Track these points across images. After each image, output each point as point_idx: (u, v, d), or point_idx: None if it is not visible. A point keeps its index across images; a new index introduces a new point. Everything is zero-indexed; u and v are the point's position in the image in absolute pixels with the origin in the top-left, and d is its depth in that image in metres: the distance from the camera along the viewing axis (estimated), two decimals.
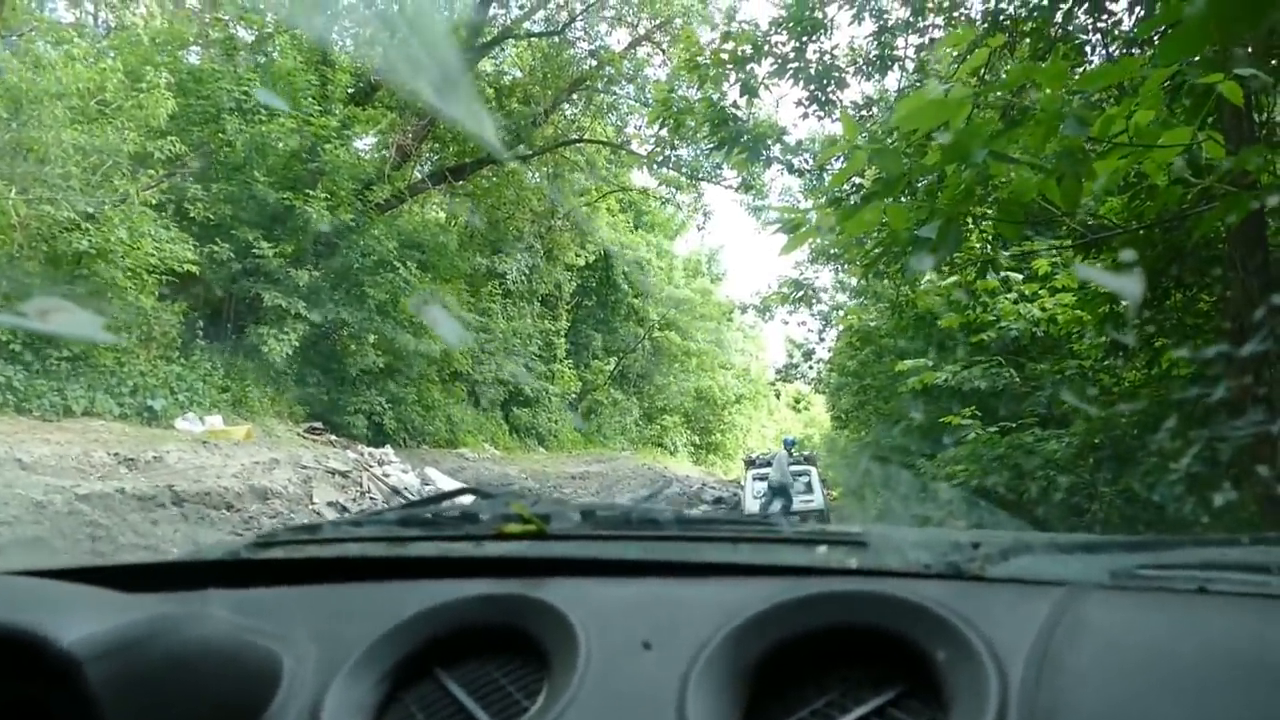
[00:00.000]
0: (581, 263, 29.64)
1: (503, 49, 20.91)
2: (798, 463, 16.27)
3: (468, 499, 1.54)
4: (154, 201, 12.57)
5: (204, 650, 0.86)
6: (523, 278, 25.61)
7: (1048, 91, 2.05)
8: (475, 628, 0.97)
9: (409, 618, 0.98)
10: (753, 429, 45.12)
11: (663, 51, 22.04)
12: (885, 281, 8.51)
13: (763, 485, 15.85)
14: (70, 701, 0.73)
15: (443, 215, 21.59)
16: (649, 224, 35.88)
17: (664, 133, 19.41)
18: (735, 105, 7.48)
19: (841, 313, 24.78)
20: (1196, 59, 1.95)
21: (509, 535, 1.22)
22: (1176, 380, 5.97)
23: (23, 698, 0.80)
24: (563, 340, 29.30)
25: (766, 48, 7.05)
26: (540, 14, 20.80)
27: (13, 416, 10.05)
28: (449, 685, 0.92)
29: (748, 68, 7.11)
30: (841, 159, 4.92)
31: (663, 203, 27.16)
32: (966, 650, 0.78)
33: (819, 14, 7.01)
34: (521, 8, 20.56)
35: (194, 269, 12.68)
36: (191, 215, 13.60)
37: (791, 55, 7.02)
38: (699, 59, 7.42)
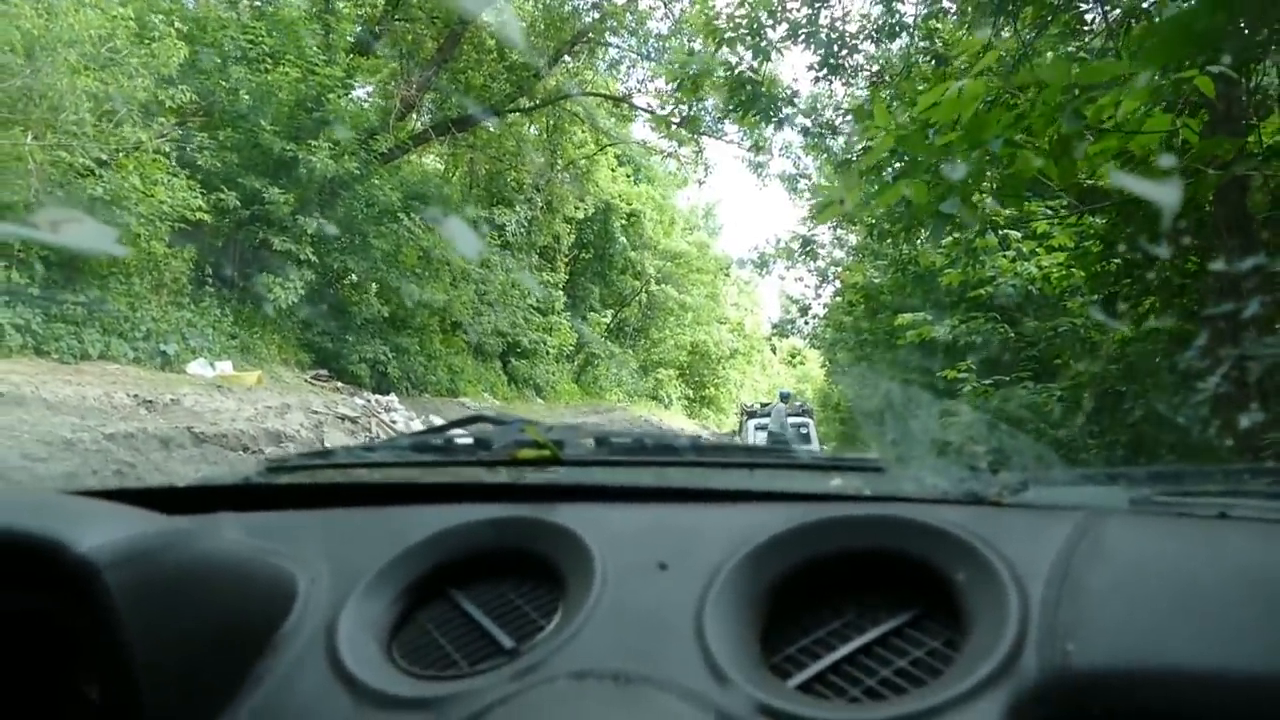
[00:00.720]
0: (580, 216, 29.77)
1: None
2: (795, 414, 16.81)
3: (480, 426, 1.52)
4: (165, 150, 12.71)
5: (220, 564, 0.87)
6: (521, 230, 25.71)
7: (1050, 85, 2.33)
8: (488, 550, 0.98)
9: (423, 540, 0.98)
10: (746, 383, 45.59)
11: (664, 4, 22.03)
12: (887, 241, 8.80)
13: (763, 434, 16.41)
14: (85, 608, 0.73)
15: (444, 166, 21.67)
16: (648, 177, 35.90)
17: (669, 87, 19.54)
18: (751, 69, 7.70)
19: (838, 269, 25.09)
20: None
21: (522, 461, 1.23)
22: (1161, 337, 6.27)
23: (31, 610, 0.80)
24: (560, 293, 29.48)
25: (780, 13, 7.26)
26: None
27: (31, 358, 10.30)
28: (464, 604, 0.93)
29: (762, 32, 7.32)
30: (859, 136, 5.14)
31: (664, 156, 27.19)
32: (986, 571, 0.78)
33: None
34: None
35: (205, 216, 12.86)
36: (199, 163, 13.74)
37: (804, 21, 7.23)
38: (715, 23, 7.63)
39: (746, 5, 7.30)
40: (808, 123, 8.47)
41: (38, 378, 9.38)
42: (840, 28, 7.47)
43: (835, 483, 1.14)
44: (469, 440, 1.41)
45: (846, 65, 7.56)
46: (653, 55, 21.86)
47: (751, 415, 19.28)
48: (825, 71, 7.51)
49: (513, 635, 0.87)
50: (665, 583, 0.86)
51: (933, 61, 6.92)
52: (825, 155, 17.36)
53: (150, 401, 9.78)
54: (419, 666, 0.86)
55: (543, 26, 21.06)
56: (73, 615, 0.76)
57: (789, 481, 1.17)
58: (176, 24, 12.22)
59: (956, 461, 1.31)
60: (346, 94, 15.88)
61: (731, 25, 7.33)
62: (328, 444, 11.03)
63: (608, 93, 23.38)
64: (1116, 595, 0.73)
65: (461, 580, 0.96)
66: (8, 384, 8.69)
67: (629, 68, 22.96)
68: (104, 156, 10.95)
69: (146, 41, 11.75)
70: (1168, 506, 0.91)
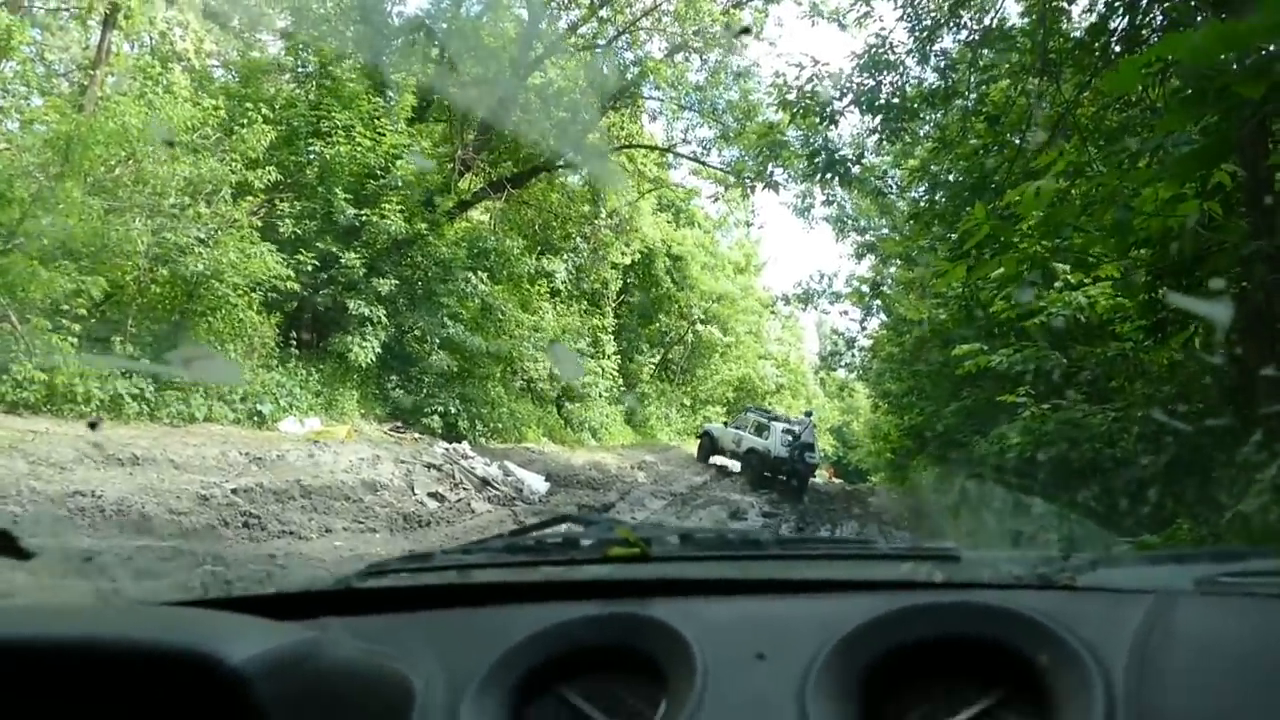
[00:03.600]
0: (627, 261, 30.60)
1: (550, 62, 21.92)
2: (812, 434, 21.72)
3: (568, 526, 1.62)
4: (256, 225, 13.70)
5: (347, 670, 0.92)
6: (570, 277, 26.57)
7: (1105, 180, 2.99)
8: (590, 647, 1.01)
9: (525, 639, 1.01)
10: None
11: (700, 58, 22.98)
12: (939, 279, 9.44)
13: (789, 438, 20.96)
14: (236, 717, 0.77)
15: (500, 222, 22.65)
16: (689, 220, 36.74)
17: (709, 134, 20.35)
18: (825, 139, 8.50)
19: (877, 305, 25.57)
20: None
21: (613, 558, 1.26)
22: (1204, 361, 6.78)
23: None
24: (609, 336, 30.24)
25: (846, 85, 8.03)
26: (585, 29, 21.76)
27: (146, 423, 11.19)
28: (573, 699, 0.96)
29: (831, 103, 8.10)
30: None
31: (711, 199, 28.00)
32: (1068, 654, 0.81)
33: (890, 56, 7.95)
34: (568, 25, 21.54)
35: (294, 285, 13.79)
36: (280, 231, 14.73)
37: (867, 90, 7.97)
38: (787, 96, 8.44)
39: (815, 81, 8.12)
40: (877, 184, 9.16)
41: (159, 442, 10.23)
42: (900, 94, 8.19)
43: (914, 571, 1.20)
44: (558, 540, 1.48)
45: (907, 129, 8.27)
46: (693, 105, 22.74)
47: (776, 420, 22.85)
48: (886, 135, 8.25)
49: None
50: (764, 673, 0.90)
51: (985, 122, 7.60)
52: (873, 199, 18.09)
53: (259, 458, 10.59)
54: None
55: (586, 84, 22.08)
56: None
57: (870, 570, 1.23)
58: (265, 110, 13.22)
59: (1029, 547, 1.65)
60: (411, 160, 16.86)
61: (802, 98, 8.11)
62: (417, 490, 11.77)
63: (652, 144, 24.27)
64: (1192, 677, 0.78)
65: (566, 676, 0.99)
66: (138, 448, 9.54)
67: (672, 118, 23.88)
68: (202, 235, 11.91)
69: (239, 126, 12.77)
70: (1231, 587, 0.96)
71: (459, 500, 11.80)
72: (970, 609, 0.92)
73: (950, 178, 8.02)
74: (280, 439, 12.12)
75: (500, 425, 19.63)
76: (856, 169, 8.94)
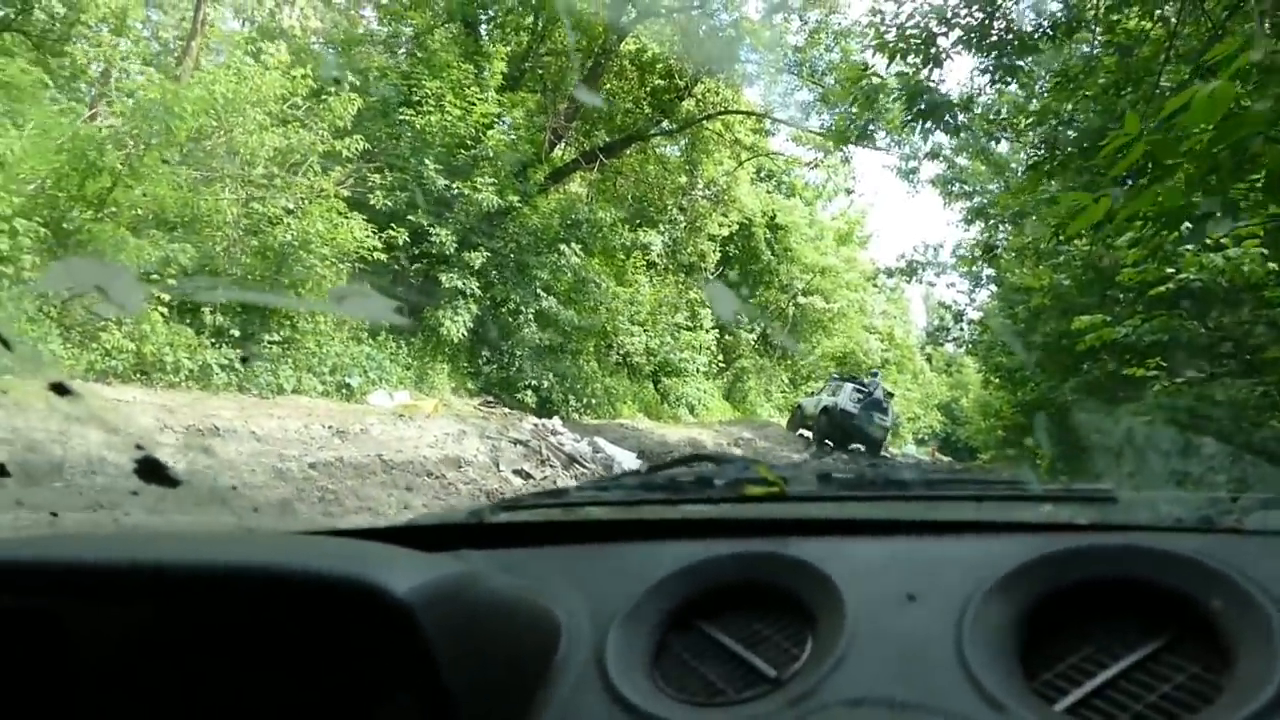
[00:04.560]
0: (725, 233, 29.88)
1: (644, 26, 21.28)
2: (887, 394, 22.66)
3: (703, 465, 1.57)
4: (344, 195, 13.58)
5: (498, 603, 0.93)
6: (667, 249, 26.00)
7: None
8: (732, 585, 1.00)
9: (667, 575, 1.01)
10: (898, 394, 44.40)
11: (800, 19, 21.98)
12: (1075, 241, 8.45)
13: (860, 396, 21.65)
14: (402, 649, 0.79)
15: (594, 193, 22.21)
16: (790, 189, 35.70)
17: (809, 97, 19.41)
18: (929, 80, 7.61)
19: (987, 275, 24.25)
20: None
21: (751, 497, 1.25)
22: None
23: (339, 648, 0.87)
24: (707, 310, 29.59)
25: (952, 19, 7.15)
26: None
27: (236, 395, 11.17)
28: (717, 636, 0.95)
29: (934, 41, 7.23)
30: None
31: (808, 166, 26.96)
32: (1243, 598, 0.78)
33: None
34: None
35: (380, 256, 13.63)
36: (371, 204, 14.61)
37: (975, 26, 7.08)
38: (885, 35, 7.54)
39: (917, 15, 7.22)
40: (986, 126, 8.11)
41: (244, 413, 10.16)
42: (1015, 28, 7.26)
43: (1070, 512, 1.14)
44: (693, 479, 1.45)
45: (1024, 67, 7.34)
46: (792, 69, 21.80)
47: (848, 380, 23.54)
48: (1000, 74, 7.32)
49: (772, 664, 0.89)
50: (917, 614, 0.87)
51: (1116, 55, 6.62)
52: (983, 157, 16.87)
53: (342, 432, 10.43)
54: (686, 694, 0.89)
55: (681, 49, 21.38)
56: (390, 653, 0.83)
57: (1022, 512, 1.18)
58: (351, 78, 13.01)
59: (1196, 488, 1.38)
60: (503, 130, 16.54)
61: (902, 36, 7.25)
62: (502, 467, 11.47)
63: (748, 109, 23.42)
64: None
65: (710, 614, 0.98)
66: (221, 419, 9.45)
67: (769, 82, 22.98)
68: (290, 205, 11.79)
69: (325, 97, 12.61)
70: None
71: (544, 478, 11.45)
72: (1131, 551, 0.87)
73: (1074, 122, 7.03)
74: (367, 412, 11.98)
75: (594, 401, 19.29)
76: (964, 116, 7.95)
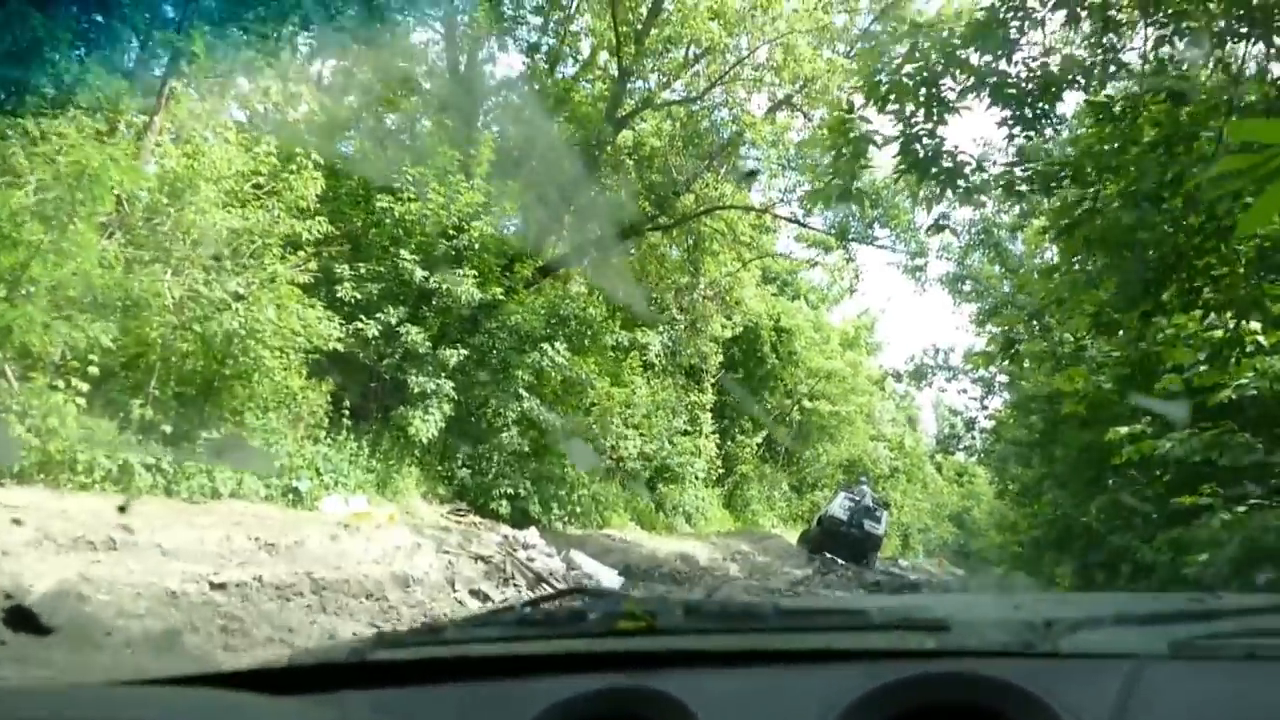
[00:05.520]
0: (728, 335, 28.96)
1: (642, 120, 20.71)
2: (879, 503, 23.25)
3: (576, 600, 1.68)
4: (304, 281, 12.62)
5: None
6: (666, 351, 24.94)
7: None
8: (602, 719, 1.03)
9: (539, 713, 1.03)
10: (906, 504, 42.81)
11: (804, 115, 21.45)
12: (1116, 334, 7.27)
13: (851, 504, 22.56)
14: None
15: (585, 290, 21.27)
16: (795, 292, 34.96)
17: (809, 191, 18.65)
18: (925, 131, 6.48)
19: (1000, 383, 23.12)
20: None
21: (621, 631, 1.29)
22: None
23: None
24: (708, 414, 28.41)
25: (961, 64, 6.11)
26: (679, 83, 20.54)
27: (162, 499, 9.93)
28: None
29: (938, 84, 6.18)
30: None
31: (810, 265, 26.15)
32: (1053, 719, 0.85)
33: (1016, 23, 6.01)
34: (661, 77, 20.36)
35: (339, 346, 12.58)
36: (339, 295, 13.63)
37: (987, 68, 6.04)
38: (876, 79, 6.44)
39: (916, 56, 6.10)
40: (1017, 177, 6.80)
41: (159, 520, 8.90)
42: (1038, 73, 6.19)
43: (905, 640, 1.19)
44: (568, 613, 1.57)
45: (1049, 116, 6.27)
46: (793, 165, 21.16)
47: (843, 489, 24.94)
48: (1019, 128, 6.19)
49: None
50: None
51: (1166, 100, 5.56)
52: (995, 253, 15.87)
53: (272, 544, 9.14)
54: None
55: (680, 144, 20.77)
56: None
57: (864, 641, 1.23)
58: (316, 157, 12.16)
59: (1013, 615, 1.43)
60: (489, 221, 15.64)
61: (896, 80, 6.16)
62: (458, 587, 10.12)
63: (748, 205, 22.72)
64: None
65: None
66: (124, 528, 8.21)
67: (770, 178, 22.33)
68: (240, 290, 10.78)
69: (286, 175, 11.74)
70: (1203, 650, 1.02)
71: (505, 600, 10.08)
72: (960, 679, 0.96)
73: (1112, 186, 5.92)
74: (311, 521, 10.69)
75: (579, 509, 17.92)
76: (975, 178, 6.71)
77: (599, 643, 1.29)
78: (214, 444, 10.58)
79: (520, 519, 14.96)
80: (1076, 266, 6.00)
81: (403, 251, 14.56)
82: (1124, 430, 7.99)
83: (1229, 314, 5.30)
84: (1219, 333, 6.09)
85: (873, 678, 0.96)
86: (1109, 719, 0.84)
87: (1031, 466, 17.58)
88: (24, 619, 6.85)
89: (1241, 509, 6.63)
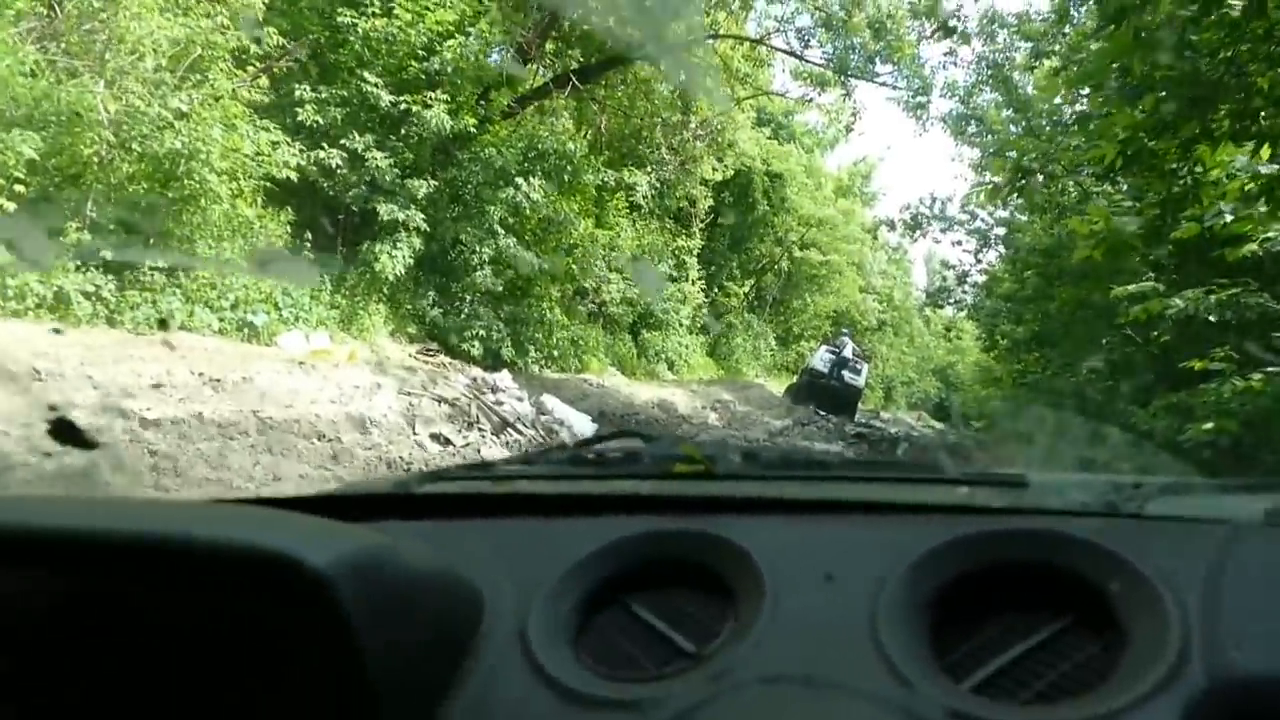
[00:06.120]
0: (718, 178, 27.93)
1: None
2: (860, 356, 22.92)
3: (631, 441, 1.64)
4: (258, 101, 11.70)
5: (420, 576, 0.91)
6: (653, 192, 24.00)
7: None
8: (656, 561, 1.00)
9: (592, 551, 1.01)
10: (892, 357, 42.79)
11: None
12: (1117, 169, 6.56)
13: (831, 357, 22.31)
14: (318, 622, 0.78)
15: (567, 123, 20.14)
16: (790, 134, 33.60)
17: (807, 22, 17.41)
18: None
19: (996, 235, 22.41)
20: None
21: (677, 474, 1.28)
22: None
23: (254, 620, 0.85)
24: (695, 260, 27.72)
25: None
26: None
27: (103, 330, 9.40)
28: (640, 612, 0.95)
29: None
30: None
31: (804, 102, 24.88)
32: (1139, 581, 0.82)
33: None
34: None
35: (298, 175, 11.80)
36: (300, 119, 12.70)
37: None
38: None
39: None
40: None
41: (97, 352, 8.39)
42: None
43: (982, 495, 1.16)
44: (621, 455, 1.49)
45: None
46: None
47: (825, 343, 24.66)
48: None
49: (692, 641, 0.90)
50: (834, 593, 0.90)
51: None
52: (1003, 89, 14.88)
53: (218, 380, 8.66)
54: (608, 668, 0.90)
55: None
56: (307, 626, 0.80)
57: (938, 495, 1.20)
58: None
59: (1095, 478, 1.29)
60: (464, 42, 14.48)
61: None
62: (418, 430, 9.75)
63: (742, 35, 21.30)
64: (1267, 606, 0.78)
65: (633, 589, 0.98)
66: (53, 358, 7.69)
67: (767, 4, 20.84)
68: (183, 107, 9.90)
69: None
70: None
71: (468, 444, 9.73)
72: (1037, 536, 0.91)
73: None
74: (266, 357, 10.21)
75: (557, 353, 17.49)
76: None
77: (654, 485, 1.26)
78: (162, 273, 9.94)
79: (493, 361, 14.53)
80: (1114, 80, 5.21)
81: (368, 74, 13.52)
82: (1131, 287, 7.39)
83: None
84: (1273, 168, 5.37)
85: (946, 531, 0.92)
86: (1202, 585, 0.79)
87: (1023, 323, 17.15)
88: None
89: (1257, 376, 6.13)
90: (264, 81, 11.11)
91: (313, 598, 0.76)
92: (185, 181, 9.90)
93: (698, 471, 1.24)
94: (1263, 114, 4.46)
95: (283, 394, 9.04)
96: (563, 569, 0.98)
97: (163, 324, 9.77)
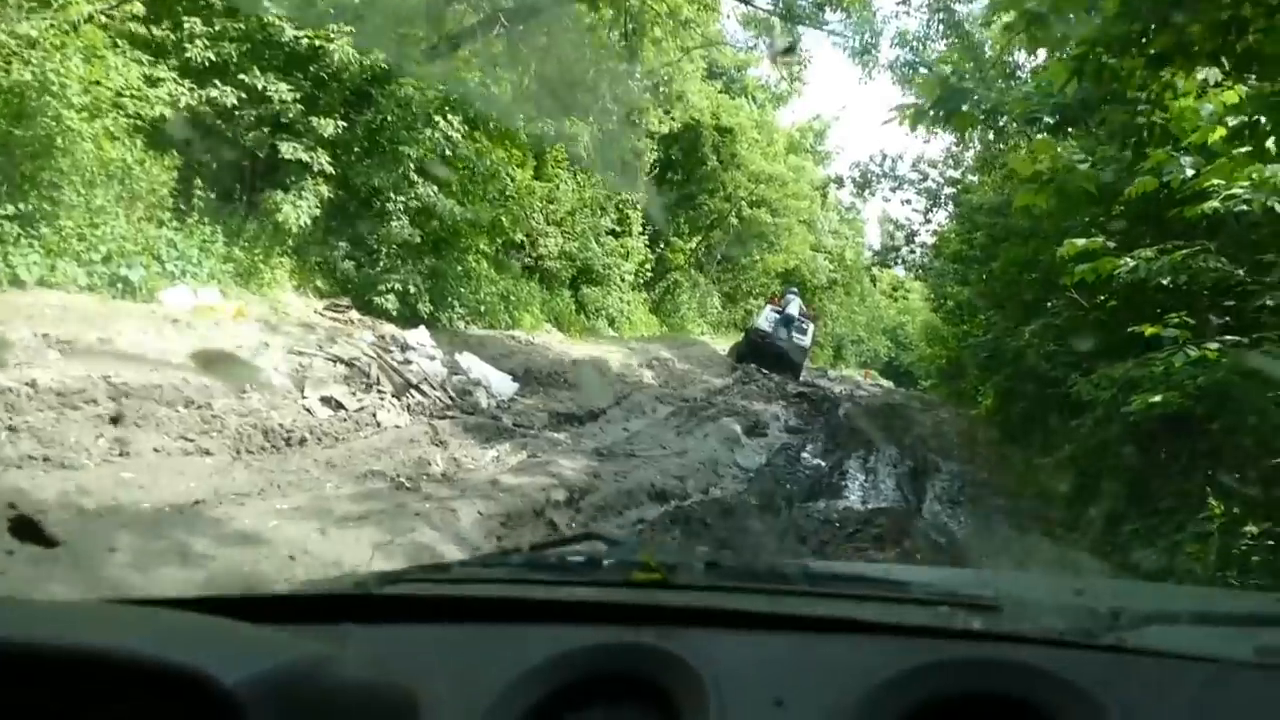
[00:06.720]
0: (665, 131, 26.99)
1: None
2: (806, 315, 22.99)
3: (593, 545, 1.68)
4: (145, 36, 10.59)
5: (351, 690, 0.88)
6: (595, 143, 23.02)
7: None
8: (604, 675, 0.97)
9: (541, 662, 0.97)
10: (843, 315, 42.39)
11: None
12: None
13: (776, 316, 21.88)
14: None
15: (500, 70, 19.02)
16: (743, 88, 32.69)
17: None
18: None
19: (946, 194, 21.84)
20: None
21: (635, 583, 1.25)
22: None
23: None
24: (638, 213, 26.82)
25: None
26: None
27: None
28: None
29: None
30: None
31: (748, 50, 23.99)
32: None
33: None
34: None
35: (185, 114, 10.73)
36: (190, 56, 11.57)
37: None
38: None
39: None
40: None
41: None
42: None
43: (951, 618, 1.11)
44: (581, 559, 1.49)
45: None
46: None
47: (770, 302, 24.17)
48: None
49: None
50: None
51: None
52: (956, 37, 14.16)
53: (67, 342, 7.71)
54: None
55: None
56: None
57: (903, 615, 1.14)
58: None
59: (1072, 600, 1.26)
60: None
61: None
62: (307, 393, 8.88)
63: None
64: None
65: (578, 704, 0.96)
66: None
67: None
68: (34, 34, 8.79)
69: None
70: None
71: (361, 408, 8.90)
72: (1011, 667, 0.86)
73: None
74: (138, 315, 9.24)
75: (484, 308, 16.60)
76: None
77: (609, 593, 1.25)
78: (14, 222, 8.88)
79: (410, 317, 13.62)
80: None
81: (269, 4, 12.38)
82: (1080, 241, 6.69)
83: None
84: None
85: (909, 655, 0.88)
86: None
87: (969, 283, 16.59)
88: None
89: (1213, 346, 5.47)
90: (137, 7, 9.94)
91: (224, 715, 0.73)
92: (39, 119, 8.80)
93: (654, 580, 1.24)
94: (1249, 30, 3.72)
95: (149, 356, 8.11)
96: (509, 679, 0.95)
97: (14, 280, 8.75)
